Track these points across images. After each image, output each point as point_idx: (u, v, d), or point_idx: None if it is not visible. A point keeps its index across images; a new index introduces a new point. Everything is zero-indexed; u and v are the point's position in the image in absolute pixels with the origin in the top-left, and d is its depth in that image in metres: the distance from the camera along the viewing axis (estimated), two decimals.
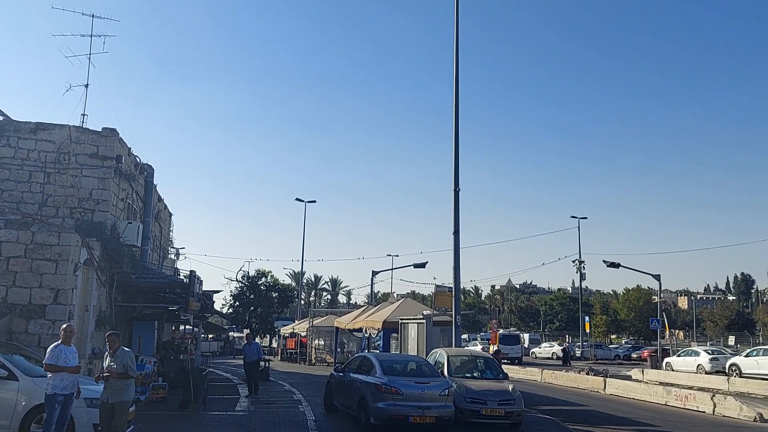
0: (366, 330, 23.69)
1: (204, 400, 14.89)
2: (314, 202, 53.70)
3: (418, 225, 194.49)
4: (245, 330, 37.91)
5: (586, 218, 55.67)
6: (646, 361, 49.35)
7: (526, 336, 63.60)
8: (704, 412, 17.87)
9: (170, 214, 30.37)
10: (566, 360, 47.13)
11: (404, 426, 12.10)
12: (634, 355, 54.69)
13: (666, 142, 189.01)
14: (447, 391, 12.61)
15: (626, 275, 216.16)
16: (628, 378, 27.27)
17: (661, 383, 25.75)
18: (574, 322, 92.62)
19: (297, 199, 53.15)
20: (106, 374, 8.99)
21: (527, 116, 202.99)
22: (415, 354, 18.82)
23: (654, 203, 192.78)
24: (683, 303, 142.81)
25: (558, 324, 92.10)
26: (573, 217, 55.15)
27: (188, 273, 18.25)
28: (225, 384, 21.87)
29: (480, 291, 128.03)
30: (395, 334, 22.54)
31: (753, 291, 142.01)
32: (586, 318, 56.34)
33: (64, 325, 9.64)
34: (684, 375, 28.70)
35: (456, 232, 17.93)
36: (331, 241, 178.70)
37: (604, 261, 36.63)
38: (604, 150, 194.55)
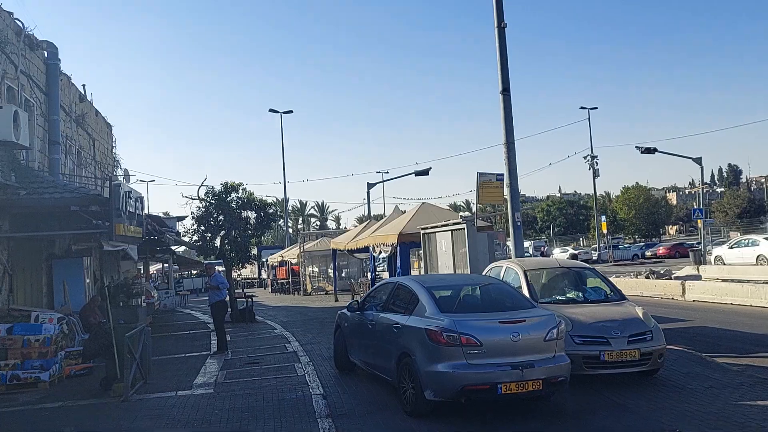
0: (375, 248, 18.06)
1: (144, 370, 9.32)
2: (291, 112, 47.43)
3: (410, 139, 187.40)
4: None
5: (596, 108, 49.62)
6: (665, 258, 45.79)
7: (529, 243, 59.57)
8: None
9: (109, 126, 23.96)
10: None
11: (489, 400, 6.74)
12: (648, 253, 51.32)
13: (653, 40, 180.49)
14: (555, 331, 7.04)
15: (613, 177, 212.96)
16: (697, 278, 22.35)
17: (724, 280, 21.23)
18: (573, 227, 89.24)
19: (271, 110, 46.72)
20: None
21: None
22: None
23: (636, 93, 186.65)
24: (672, 198, 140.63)
25: (558, 230, 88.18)
26: (582, 108, 49.15)
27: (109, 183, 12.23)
28: (193, 333, 16.40)
29: (471, 204, 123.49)
30: (415, 251, 17.11)
31: (742, 181, 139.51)
32: (603, 218, 51.44)
33: None
34: (754, 269, 23.92)
35: (505, 90, 12.06)
36: (314, 159, 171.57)
37: (637, 147, 31.06)
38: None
